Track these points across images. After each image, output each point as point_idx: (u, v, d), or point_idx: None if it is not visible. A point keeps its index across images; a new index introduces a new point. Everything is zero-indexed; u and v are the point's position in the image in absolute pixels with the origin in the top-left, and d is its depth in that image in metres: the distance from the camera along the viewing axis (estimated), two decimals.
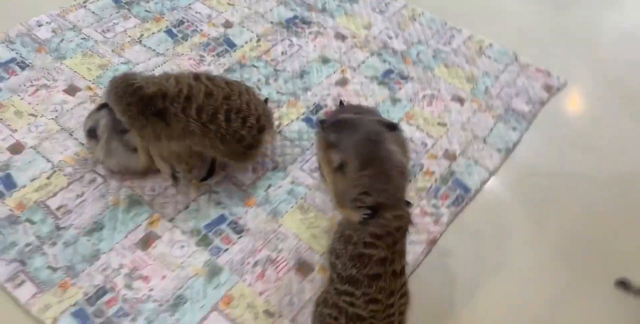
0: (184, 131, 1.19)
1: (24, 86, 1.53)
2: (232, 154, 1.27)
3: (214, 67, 1.66)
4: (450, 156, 1.51)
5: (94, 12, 1.77)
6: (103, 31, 1.72)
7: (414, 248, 1.30)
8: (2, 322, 1.14)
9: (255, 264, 1.24)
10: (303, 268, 1.24)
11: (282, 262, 1.25)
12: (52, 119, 1.46)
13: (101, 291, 1.17)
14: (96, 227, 1.27)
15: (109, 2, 1.81)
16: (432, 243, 1.32)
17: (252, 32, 1.79)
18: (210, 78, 1.24)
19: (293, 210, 1.34)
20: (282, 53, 1.73)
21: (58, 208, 1.29)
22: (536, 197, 1.45)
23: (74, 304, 1.15)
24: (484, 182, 1.46)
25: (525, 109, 1.66)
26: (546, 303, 1.25)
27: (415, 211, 1.37)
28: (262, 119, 1.27)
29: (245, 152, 1.27)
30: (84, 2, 1.80)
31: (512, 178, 1.49)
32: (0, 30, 1.67)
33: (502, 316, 1.22)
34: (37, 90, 1.53)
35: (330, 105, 1.59)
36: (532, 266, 1.31)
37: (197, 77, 1.23)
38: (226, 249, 1.26)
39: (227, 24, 1.80)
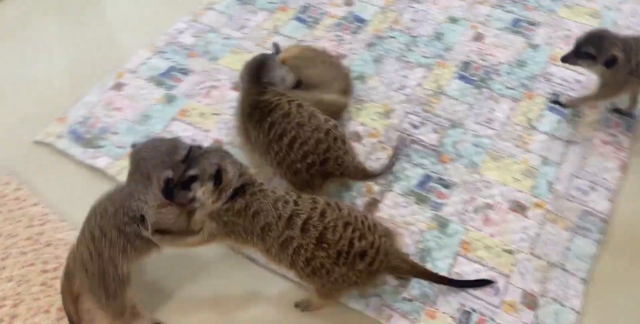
0: (254, 140, 1.24)
1: (195, 89, 1.60)
2: (288, 179, 1.24)
3: (356, 44, 1.72)
4: None
5: (222, 12, 1.82)
6: (239, 28, 1.77)
7: (610, 173, 1.40)
8: None
9: (475, 211, 1.34)
10: (517, 207, 1.35)
11: (498, 205, 1.36)
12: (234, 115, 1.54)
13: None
14: None
15: (232, 0, 1.86)
16: (624, 168, 1.43)
17: (374, 5, 1.85)
18: (300, 105, 1.23)
19: (487, 159, 1.44)
20: (412, 20, 1.79)
21: None
22: None
23: None
24: None
25: None
26: None
27: (594, 142, 1.47)
28: (329, 164, 1.19)
29: (302, 184, 1.22)
30: (209, 4, 1.85)
31: None
32: (146, 42, 1.70)
33: None
34: (208, 92, 1.60)
35: (477, 60, 1.68)
36: None
37: (290, 101, 1.23)
38: (444, 203, 1.36)
39: (348, 2, 1.86)
